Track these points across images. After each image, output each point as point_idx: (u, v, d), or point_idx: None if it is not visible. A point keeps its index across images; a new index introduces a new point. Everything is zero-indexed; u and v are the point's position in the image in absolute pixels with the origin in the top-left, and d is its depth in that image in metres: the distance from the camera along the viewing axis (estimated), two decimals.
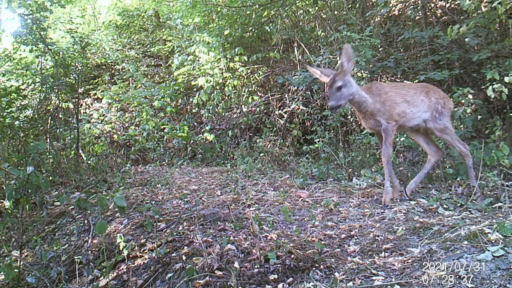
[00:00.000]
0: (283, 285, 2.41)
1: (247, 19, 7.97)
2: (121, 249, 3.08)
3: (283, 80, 7.06)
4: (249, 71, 8.16)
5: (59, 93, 7.51)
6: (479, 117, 5.24)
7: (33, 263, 3.56)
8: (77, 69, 7.82)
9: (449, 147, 4.25)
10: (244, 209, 3.89)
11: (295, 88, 7.29)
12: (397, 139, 5.23)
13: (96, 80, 10.52)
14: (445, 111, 3.83)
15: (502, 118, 5.13)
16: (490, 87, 4.73)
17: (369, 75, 6.24)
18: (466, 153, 3.82)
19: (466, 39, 5.43)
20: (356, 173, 5.00)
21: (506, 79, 4.59)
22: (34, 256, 3.75)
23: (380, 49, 6.69)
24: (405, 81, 4.29)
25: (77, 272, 3.14)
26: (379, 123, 3.68)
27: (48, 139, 7.27)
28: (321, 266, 2.57)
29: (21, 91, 7.31)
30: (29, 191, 2.78)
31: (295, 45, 7.76)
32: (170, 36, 10.21)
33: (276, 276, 2.50)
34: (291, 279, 2.47)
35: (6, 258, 3.43)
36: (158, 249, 3.10)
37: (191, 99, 8.45)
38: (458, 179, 4.19)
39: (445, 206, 3.46)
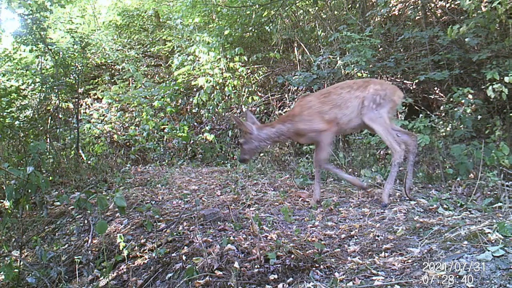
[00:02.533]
0: (283, 285, 2.41)
1: (247, 19, 7.97)
2: (121, 249, 3.08)
3: (283, 80, 7.06)
4: (249, 71, 8.16)
5: (59, 93, 7.50)
6: (479, 117, 5.24)
7: (33, 263, 3.56)
8: (77, 69, 7.81)
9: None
10: (244, 209, 3.89)
11: (295, 88, 7.29)
12: None
13: (96, 80, 10.51)
14: (385, 103, 3.70)
15: (502, 118, 5.13)
16: (490, 87, 4.73)
17: (369, 75, 6.24)
18: (397, 150, 3.65)
19: (466, 39, 5.43)
20: (356, 173, 4.99)
21: (506, 79, 4.60)
22: (34, 256, 3.75)
23: (380, 49, 6.70)
24: (350, 80, 4.27)
25: (77, 272, 3.14)
26: (312, 137, 3.90)
27: (48, 139, 7.27)
28: (321, 266, 2.57)
29: (21, 91, 7.31)
30: (29, 191, 2.78)
31: (295, 45, 7.76)
32: (170, 36, 10.20)
33: (276, 276, 2.50)
34: (291, 279, 2.47)
35: (6, 258, 3.43)
36: (158, 249, 3.10)
37: (191, 99, 8.45)
38: (458, 179, 4.19)
39: (445, 206, 3.46)
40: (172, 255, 3.01)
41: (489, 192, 3.77)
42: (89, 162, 6.84)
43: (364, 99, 3.72)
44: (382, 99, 3.70)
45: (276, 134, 3.96)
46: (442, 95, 5.97)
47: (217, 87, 7.88)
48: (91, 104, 9.93)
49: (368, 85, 3.79)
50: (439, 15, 6.82)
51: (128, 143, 8.33)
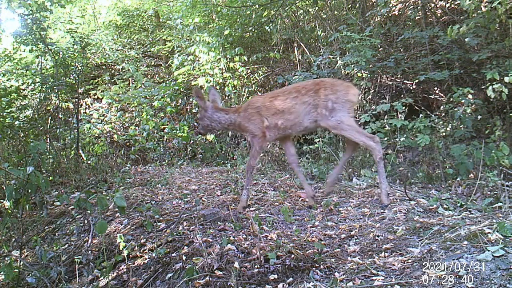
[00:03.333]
0: (283, 285, 2.41)
1: (247, 19, 7.97)
2: (121, 249, 3.08)
3: (283, 80, 7.05)
4: (249, 71, 8.16)
5: (59, 93, 7.50)
6: (479, 117, 5.24)
7: (33, 263, 3.56)
8: (77, 69, 7.81)
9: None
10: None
11: None
12: (397, 139, 5.23)
13: (96, 80, 10.51)
14: (338, 106, 3.60)
15: (502, 118, 5.13)
16: (490, 87, 4.73)
17: (369, 75, 6.24)
18: (373, 146, 3.57)
19: (466, 39, 5.43)
20: (356, 173, 4.99)
21: (506, 79, 4.59)
22: (34, 256, 3.75)
23: (380, 49, 6.69)
24: (301, 82, 4.26)
25: (77, 272, 3.14)
26: (249, 136, 3.98)
27: (48, 139, 7.26)
28: (321, 266, 2.57)
29: (21, 91, 7.30)
30: (29, 191, 2.78)
31: (295, 45, 7.76)
32: (170, 36, 10.20)
33: (276, 276, 2.50)
34: (291, 279, 2.47)
35: (6, 258, 3.43)
36: (158, 249, 3.10)
37: (191, 99, 8.45)
38: (458, 179, 4.19)
39: (445, 206, 3.46)
40: (172, 255, 3.01)
41: (489, 192, 3.77)
42: (89, 162, 6.84)
43: (317, 106, 3.66)
44: (335, 103, 3.60)
45: (227, 121, 4.02)
46: (442, 95, 5.97)
47: (217, 87, 7.88)
48: (91, 104, 9.93)
49: (318, 89, 3.69)
50: (439, 15, 6.82)
51: (128, 143, 8.33)
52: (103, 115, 9.04)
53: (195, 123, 8.52)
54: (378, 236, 2.94)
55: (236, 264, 2.63)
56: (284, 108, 3.74)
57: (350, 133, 3.59)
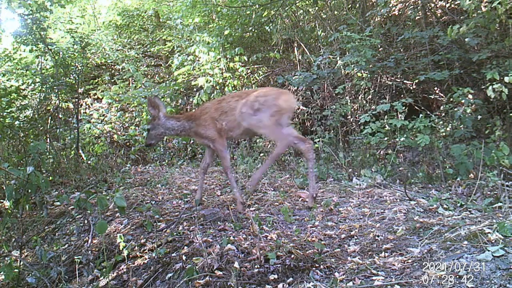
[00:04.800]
0: (283, 285, 2.41)
1: (247, 19, 7.97)
2: (121, 249, 3.08)
3: (283, 80, 7.06)
4: (249, 71, 8.16)
5: (59, 93, 7.50)
6: (479, 117, 5.24)
7: (33, 263, 3.56)
8: (77, 69, 7.81)
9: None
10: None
11: (295, 88, 7.29)
12: (397, 139, 5.24)
13: (96, 80, 10.51)
14: (264, 108, 3.74)
15: (502, 118, 5.13)
16: (490, 87, 4.73)
17: (369, 75, 6.24)
18: (282, 145, 3.75)
19: (466, 39, 5.43)
20: (356, 173, 4.99)
21: (506, 79, 4.59)
22: (34, 256, 3.75)
23: (380, 49, 6.69)
24: (248, 90, 4.39)
25: (77, 272, 3.14)
26: (206, 143, 4.14)
27: (48, 139, 7.26)
28: (321, 266, 2.57)
29: (21, 91, 7.30)
30: (29, 191, 2.78)
31: (295, 45, 7.76)
32: (170, 36, 10.20)
33: (276, 276, 2.50)
34: (291, 279, 2.47)
35: (6, 258, 3.43)
36: (158, 249, 3.10)
37: (191, 99, 8.45)
38: (458, 179, 4.19)
39: (445, 206, 3.46)
40: (172, 255, 3.01)
41: (489, 192, 3.77)
42: (89, 162, 6.84)
43: (243, 106, 3.82)
44: (261, 105, 3.75)
45: (180, 128, 4.14)
46: (442, 95, 5.97)
47: (217, 87, 7.88)
48: (91, 104, 9.93)
49: (250, 93, 3.91)
50: (439, 15, 6.82)
51: (128, 143, 8.33)
52: (103, 115, 9.04)
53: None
54: (378, 236, 2.94)
55: (236, 264, 2.63)
56: (228, 110, 3.93)
57: (265, 131, 3.80)
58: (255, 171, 3.85)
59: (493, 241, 2.39)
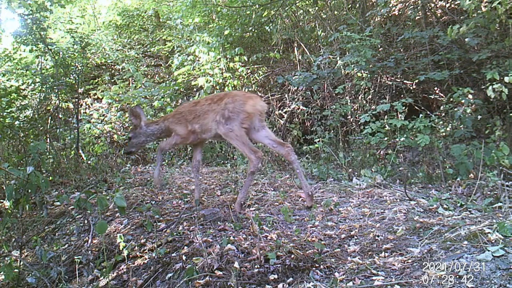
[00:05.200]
0: (283, 285, 2.41)
1: (247, 19, 7.97)
2: (121, 249, 3.08)
3: (283, 80, 7.06)
4: (249, 71, 8.15)
5: (59, 93, 7.49)
6: (479, 117, 5.24)
7: (33, 263, 3.56)
8: (77, 69, 7.81)
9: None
10: (244, 209, 3.89)
11: (295, 88, 7.29)
12: (397, 139, 5.24)
13: (96, 80, 10.50)
14: (233, 116, 3.79)
15: (502, 118, 5.13)
16: (490, 87, 4.73)
17: (369, 75, 6.24)
18: (252, 159, 3.74)
19: (466, 39, 5.43)
20: (356, 173, 4.99)
21: (506, 79, 4.60)
22: (34, 256, 3.74)
23: (380, 49, 6.69)
24: (220, 93, 4.46)
25: (77, 272, 3.14)
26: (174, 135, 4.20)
27: (48, 139, 7.26)
28: (321, 266, 2.57)
29: (21, 91, 7.30)
30: (29, 191, 2.78)
31: (295, 45, 7.76)
32: (170, 36, 10.20)
33: (276, 276, 2.50)
34: (291, 279, 2.47)
35: (6, 258, 3.43)
36: (158, 249, 3.10)
37: (191, 99, 8.44)
38: (458, 179, 4.19)
39: (445, 206, 3.46)
40: (172, 255, 3.01)
41: (489, 192, 3.77)
42: (89, 162, 6.84)
43: (217, 114, 3.87)
44: (231, 113, 3.80)
45: (159, 131, 4.26)
46: (442, 95, 5.97)
47: (217, 87, 7.87)
48: (91, 104, 9.92)
49: (224, 98, 3.93)
50: (439, 15, 6.82)
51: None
52: (103, 115, 9.03)
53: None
54: (378, 236, 2.94)
55: (236, 264, 2.63)
56: (201, 114, 4.00)
57: (236, 142, 3.81)
58: (241, 191, 3.89)
59: (493, 241, 2.39)
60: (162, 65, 10.99)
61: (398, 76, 6.43)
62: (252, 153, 3.74)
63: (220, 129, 3.82)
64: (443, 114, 5.46)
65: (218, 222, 3.51)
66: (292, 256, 2.68)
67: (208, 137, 4.07)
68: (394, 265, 2.45)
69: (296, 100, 7.37)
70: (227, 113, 3.80)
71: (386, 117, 5.63)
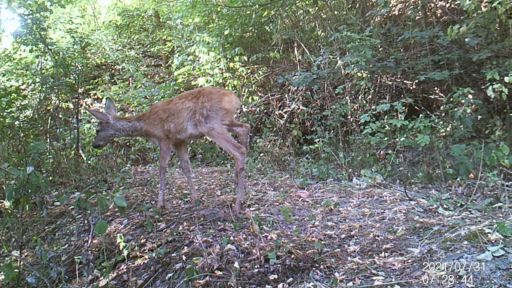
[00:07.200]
0: (283, 285, 2.41)
1: (247, 19, 7.97)
2: (121, 249, 3.08)
3: (283, 80, 7.06)
4: (249, 71, 8.16)
5: (59, 93, 7.50)
6: (479, 117, 5.24)
7: (33, 263, 3.56)
8: (77, 69, 7.81)
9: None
10: (244, 209, 3.89)
11: (295, 88, 7.29)
12: (397, 139, 5.24)
13: (96, 80, 10.51)
14: (212, 114, 3.77)
15: (502, 118, 5.13)
16: (490, 87, 4.73)
17: (369, 75, 6.24)
18: (237, 156, 3.72)
19: (466, 39, 5.43)
20: (356, 173, 4.99)
21: (506, 79, 4.60)
22: (34, 256, 3.75)
23: (380, 49, 6.70)
24: (192, 90, 4.43)
25: (77, 272, 3.14)
26: (154, 141, 4.24)
27: (48, 139, 7.26)
28: (321, 266, 2.57)
29: (21, 91, 7.30)
30: (29, 191, 2.78)
31: (295, 45, 7.76)
32: (170, 36, 10.21)
33: (276, 276, 2.50)
34: (291, 279, 2.47)
35: (6, 258, 3.43)
36: (158, 249, 3.10)
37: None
38: (458, 179, 4.19)
39: (445, 206, 3.46)
40: (172, 255, 3.01)
41: (489, 192, 3.77)
42: (89, 162, 6.83)
43: (195, 113, 3.84)
44: (209, 111, 3.78)
45: (131, 129, 4.21)
46: (442, 95, 5.97)
47: (217, 87, 7.88)
48: (91, 104, 9.93)
49: (199, 96, 3.88)
50: (439, 15, 6.82)
51: (128, 143, 8.33)
52: None
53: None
54: (378, 236, 2.94)
55: (236, 264, 2.63)
56: (175, 112, 3.96)
57: (219, 140, 3.80)
58: (238, 191, 3.86)
59: (493, 241, 2.39)
60: (162, 65, 10.99)
61: (398, 76, 6.43)
62: (236, 149, 3.72)
63: (201, 127, 3.79)
64: (443, 114, 5.46)
65: (218, 222, 3.51)
66: (292, 256, 2.68)
67: (183, 137, 4.02)
68: (394, 265, 2.45)
69: (296, 100, 7.37)
70: (206, 112, 3.77)
71: (386, 117, 5.63)
